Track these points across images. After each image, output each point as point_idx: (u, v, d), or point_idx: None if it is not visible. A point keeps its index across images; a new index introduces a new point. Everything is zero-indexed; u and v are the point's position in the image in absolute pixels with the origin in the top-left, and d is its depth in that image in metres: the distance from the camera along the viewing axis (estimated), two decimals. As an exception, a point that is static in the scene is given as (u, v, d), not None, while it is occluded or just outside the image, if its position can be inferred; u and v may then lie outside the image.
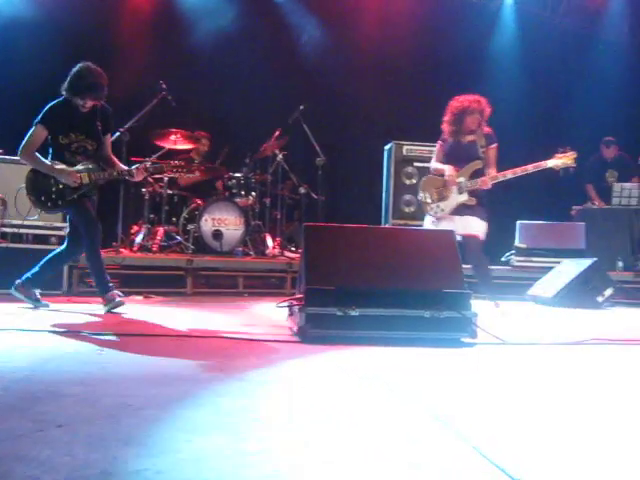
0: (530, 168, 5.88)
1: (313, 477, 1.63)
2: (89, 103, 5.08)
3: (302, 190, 8.76)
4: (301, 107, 8.58)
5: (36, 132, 5.02)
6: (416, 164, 8.85)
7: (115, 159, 5.43)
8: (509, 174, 5.90)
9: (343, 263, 4.06)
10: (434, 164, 6.30)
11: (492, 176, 5.91)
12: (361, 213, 9.33)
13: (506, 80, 11.16)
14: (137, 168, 5.26)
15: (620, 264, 9.22)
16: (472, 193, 5.96)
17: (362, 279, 4.02)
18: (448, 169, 6.02)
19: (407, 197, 8.82)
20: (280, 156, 8.60)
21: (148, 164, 5.49)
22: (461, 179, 5.98)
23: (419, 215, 8.51)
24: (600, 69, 12.46)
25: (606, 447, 1.94)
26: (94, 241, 5.04)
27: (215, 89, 9.91)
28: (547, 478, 1.67)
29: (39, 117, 5.04)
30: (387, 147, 9.19)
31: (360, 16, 11.23)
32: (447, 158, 6.16)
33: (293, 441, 1.90)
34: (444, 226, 5.90)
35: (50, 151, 5.14)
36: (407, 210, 8.79)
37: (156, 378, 2.72)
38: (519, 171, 5.88)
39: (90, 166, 5.14)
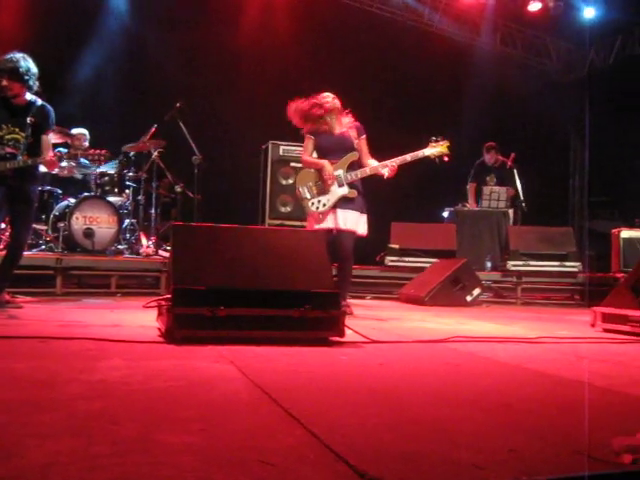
0: (408, 157, 6.02)
1: (162, 479, 1.61)
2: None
3: (178, 189, 8.65)
4: (178, 104, 8.46)
5: None
6: (293, 164, 8.92)
7: None
8: (393, 162, 5.97)
9: (212, 263, 4.04)
10: (307, 158, 6.20)
11: (382, 164, 5.99)
12: (239, 213, 9.32)
13: (380, 83, 11.39)
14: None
15: (488, 264, 9.59)
16: (352, 185, 6.01)
17: (232, 279, 4.00)
18: (325, 164, 5.99)
19: (284, 197, 8.86)
20: (156, 153, 8.46)
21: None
22: (339, 172, 5.99)
23: (295, 215, 8.60)
24: (474, 75, 12.94)
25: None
26: None
27: (92, 84, 9.66)
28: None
29: None
30: (264, 147, 9.21)
31: (241, 16, 11.21)
32: (321, 152, 6.12)
33: (148, 443, 1.87)
34: (329, 221, 5.92)
35: None
36: (284, 210, 8.85)
37: (11, 382, 2.62)
38: (398, 160, 5.99)
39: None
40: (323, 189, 6.00)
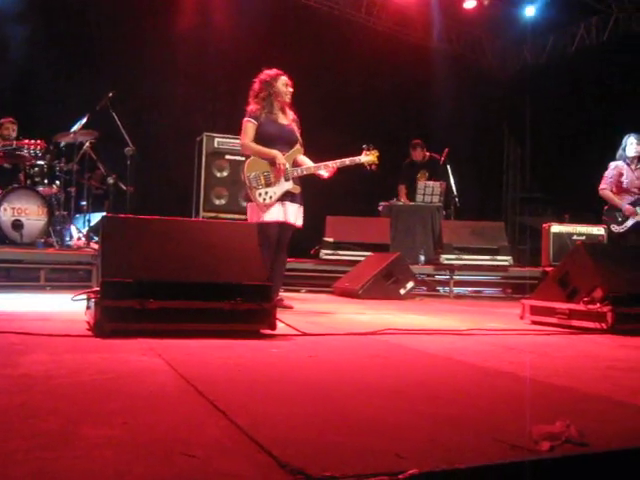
0: (347, 161, 6.08)
1: (81, 472, 1.58)
2: None
3: (110, 180, 8.52)
4: (110, 94, 8.32)
5: None
6: (228, 157, 8.87)
7: None
8: (334, 163, 6.03)
9: (143, 255, 3.98)
10: (255, 146, 5.97)
11: (325, 164, 6.02)
12: (172, 205, 9.24)
13: (316, 79, 11.39)
14: None
15: (422, 258, 9.70)
16: (296, 181, 5.99)
17: (162, 272, 3.96)
18: (278, 155, 5.90)
19: (218, 189, 8.80)
20: (87, 144, 8.31)
21: None
22: (287, 166, 5.94)
23: (230, 207, 8.56)
24: (410, 71, 13.05)
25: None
26: None
27: (22, 72, 9.44)
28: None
29: None
30: (198, 139, 9.13)
31: (177, 6, 11.08)
32: (264, 139, 5.97)
33: (69, 437, 1.83)
34: (273, 213, 5.85)
35: None
36: (218, 202, 8.79)
37: None
38: (338, 162, 6.04)
39: None
40: (271, 180, 5.89)
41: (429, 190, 10.40)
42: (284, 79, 6.02)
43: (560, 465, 1.70)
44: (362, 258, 8.84)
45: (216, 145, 8.84)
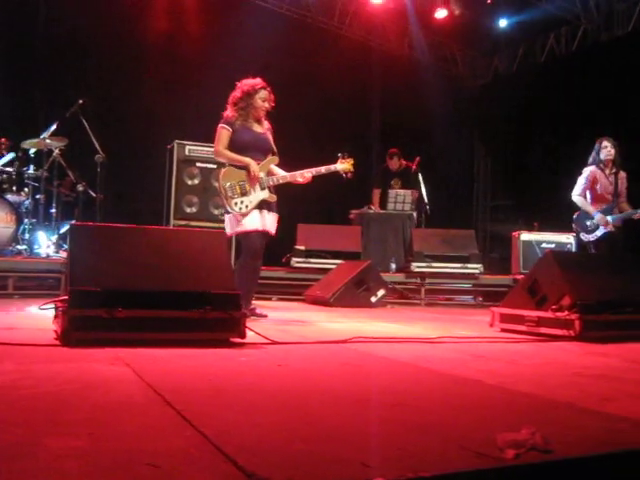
0: (323, 169, 6.10)
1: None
2: None
3: (80, 188, 8.45)
4: (80, 101, 8.26)
5: None
6: (199, 164, 8.83)
7: None
8: (309, 172, 6.04)
9: (111, 264, 3.96)
10: (229, 153, 5.92)
11: (300, 173, 6.02)
12: (143, 213, 9.19)
13: (288, 86, 11.39)
14: None
15: (393, 266, 9.73)
16: (271, 190, 5.96)
17: (131, 280, 3.93)
18: (252, 163, 5.85)
19: (189, 197, 8.74)
20: (57, 151, 8.24)
21: None
22: (262, 175, 5.90)
23: (201, 215, 8.53)
24: (381, 79, 13.12)
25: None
26: None
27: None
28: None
29: None
30: (169, 147, 9.09)
31: (147, 12, 11.05)
32: (237, 146, 5.92)
33: (33, 449, 1.81)
34: (253, 222, 5.81)
35: None
36: (189, 210, 8.74)
37: None
38: (314, 171, 6.05)
39: None
40: (246, 190, 5.85)
41: (400, 198, 10.45)
42: (264, 94, 5.99)
43: (525, 472, 1.71)
44: (333, 266, 8.85)
45: (187, 153, 8.78)
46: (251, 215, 5.84)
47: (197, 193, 8.61)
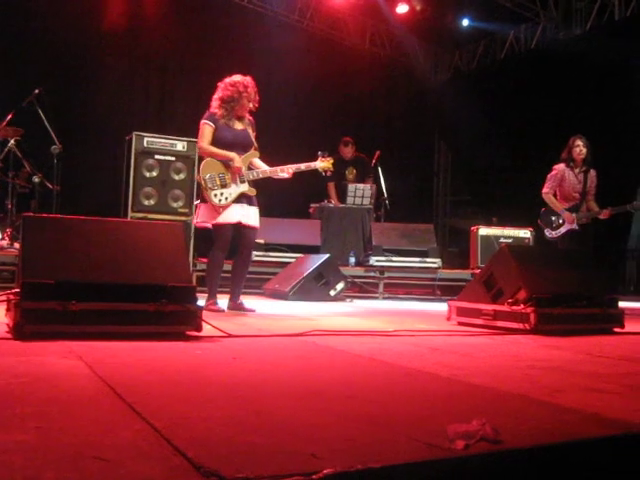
0: (303, 166, 6.16)
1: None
2: None
3: (36, 179, 8.32)
4: (36, 91, 8.13)
5: None
6: (157, 157, 8.71)
7: None
8: (290, 167, 6.09)
9: (65, 256, 3.90)
10: (212, 149, 5.95)
11: (280, 168, 6.07)
12: (100, 205, 9.08)
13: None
14: None
15: (352, 260, 9.75)
16: (251, 183, 6.00)
17: (85, 273, 3.88)
18: (236, 156, 5.90)
19: (147, 189, 8.64)
20: (12, 142, 8.10)
21: None
22: (243, 168, 5.95)
23: (159, 208, 8.45)
24: (342, 74, 13.13)
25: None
26: None
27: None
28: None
29: None
30: (128, 138, 8.99)
31: (106, 2, 10.92)
32: (220, 144, 5.96)
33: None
34: (229, 215, 5.89)
35: None
36: (147, 203, 8.63)
37: None
38: (294, 167, 6.09)
39: None
40: (226, 182, 5.90)
41: (359, 192, 10.48)
42: (251, 94, 6.03)
43: (474, 463, 1.73)
44: (292, 260, 8.85)
45: (145, 145, 8.66)
46: (230, 208, 5.91)
47: (155, 186, 8.52)
